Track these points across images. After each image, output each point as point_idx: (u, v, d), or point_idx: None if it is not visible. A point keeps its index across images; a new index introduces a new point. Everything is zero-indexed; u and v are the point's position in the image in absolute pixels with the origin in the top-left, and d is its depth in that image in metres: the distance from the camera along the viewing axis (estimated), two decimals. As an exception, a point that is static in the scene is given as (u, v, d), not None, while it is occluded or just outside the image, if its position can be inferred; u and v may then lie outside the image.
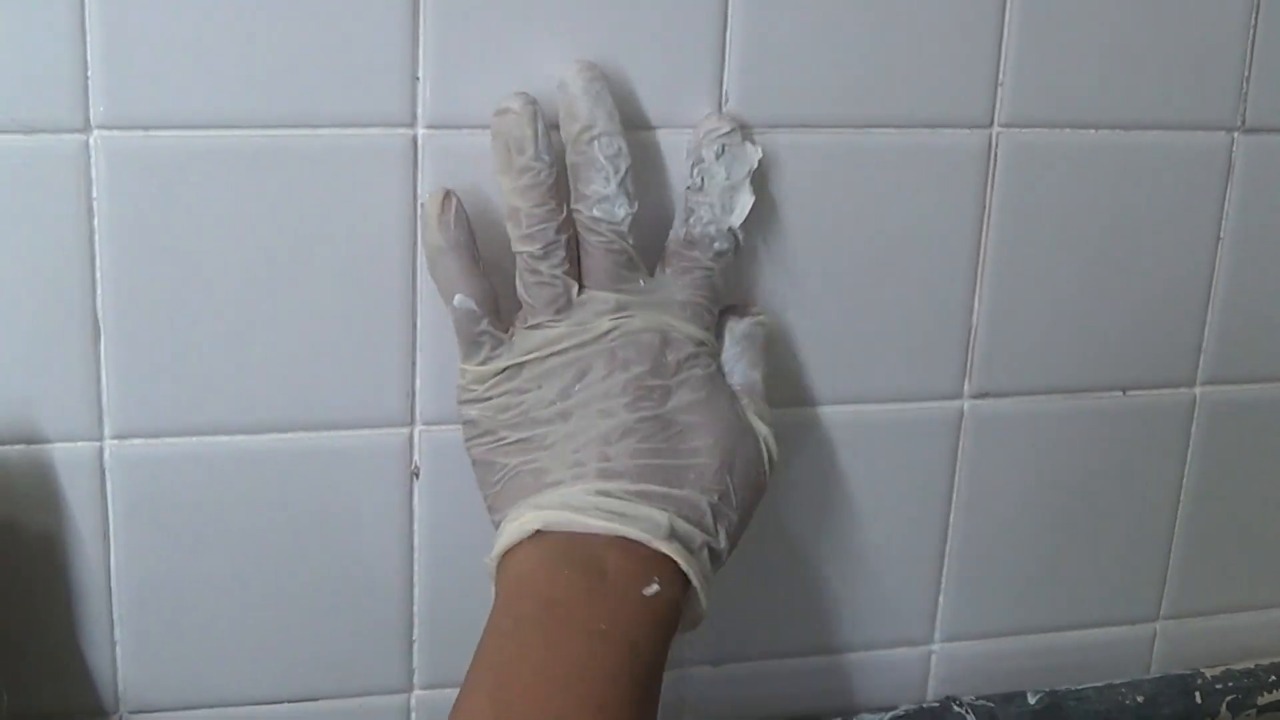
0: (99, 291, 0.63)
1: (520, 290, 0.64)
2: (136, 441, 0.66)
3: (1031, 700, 0.80)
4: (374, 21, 0.62)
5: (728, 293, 0.68)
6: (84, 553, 0.66)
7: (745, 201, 0.66)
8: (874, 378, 0.74)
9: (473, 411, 0.64)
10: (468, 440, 0.65)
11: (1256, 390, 0.80)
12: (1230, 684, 0.83)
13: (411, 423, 0.68)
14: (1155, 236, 0.76)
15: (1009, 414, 0.76)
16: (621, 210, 0.63)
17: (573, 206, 0.64)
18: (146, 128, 0.62)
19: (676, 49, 0.66)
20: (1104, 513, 0.80)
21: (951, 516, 0.77)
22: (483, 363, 0.64)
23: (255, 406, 0.66)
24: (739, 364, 0.68)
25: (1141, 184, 0.74)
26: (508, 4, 0.63)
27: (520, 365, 0.63)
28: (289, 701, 0.71)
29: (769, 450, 0.66)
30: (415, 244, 0.65)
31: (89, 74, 0.60)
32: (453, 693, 0.72)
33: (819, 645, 0.78)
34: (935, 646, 0.80)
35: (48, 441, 0.64)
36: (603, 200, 0.63)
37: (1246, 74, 0.74)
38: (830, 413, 0.74)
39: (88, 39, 0.60)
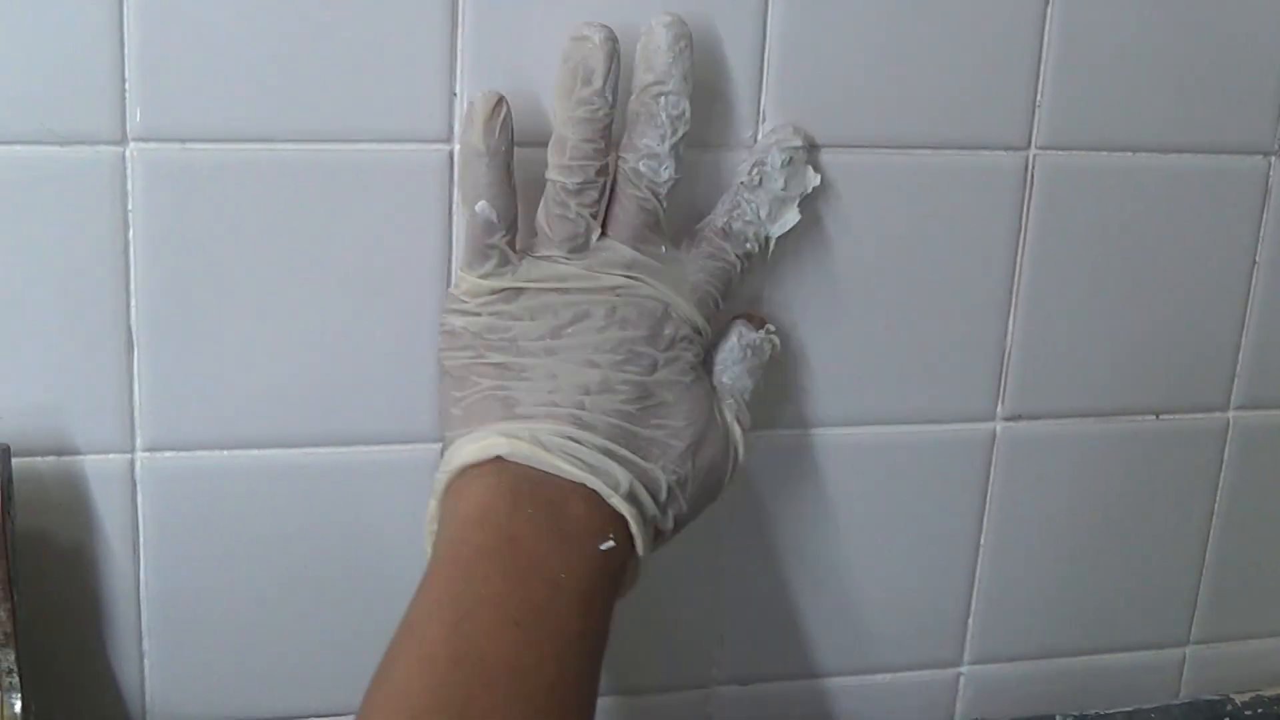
0: (133, 304, 0.63)
1: (541, 219, 0.63)
2: (168, 454, 0.65)
3: (1060, 724, 0.80)
4: (412, 37, 0.62)
5: (748, 304, 0.69)
6: (114, 564, 0.66)
7: (791, 217, 0.67)
8: (907, 399, 0.73)
9: (458, 321, 0.63)
10: (443, 350, 0.64)
11: (1290, 415, 0.80)
12: (1260, 710, 0.83)
13: (442, 439, 0.68)
14: (1190, 260, 0.75)
15: (1042, 436, 0.76)
16: (667, 171, 0.63)
17: (620, 154, 0.63)
18: (183, 140, 0.62)
19: (715, 69, 0.66)
20: (1135, 536, 0.80)
21: (982, 538, 0.77)
22: (484, 276, 0.62)
23: (286, 420, 0.66)
24: (737, 366, 0.67)
25: (1178, 207, 0.74)
26: (546, 23, 0.63)
27: (519, 290, 0.62)
28: (315, 716, 0.71)
29: (737, 454, 0.65)
30: (450, 259, 0.65)
31: (126, 86, 0.60)
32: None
33: (847, 665, 0.78)
34: (964, 669, 0.80)
35: (79, 453, 0.65)
36: (651, 156, 0.62)
37: (1285, 98, 0.74)
38: (863, 433, 0.73)
39: (125, 51, 0.60)
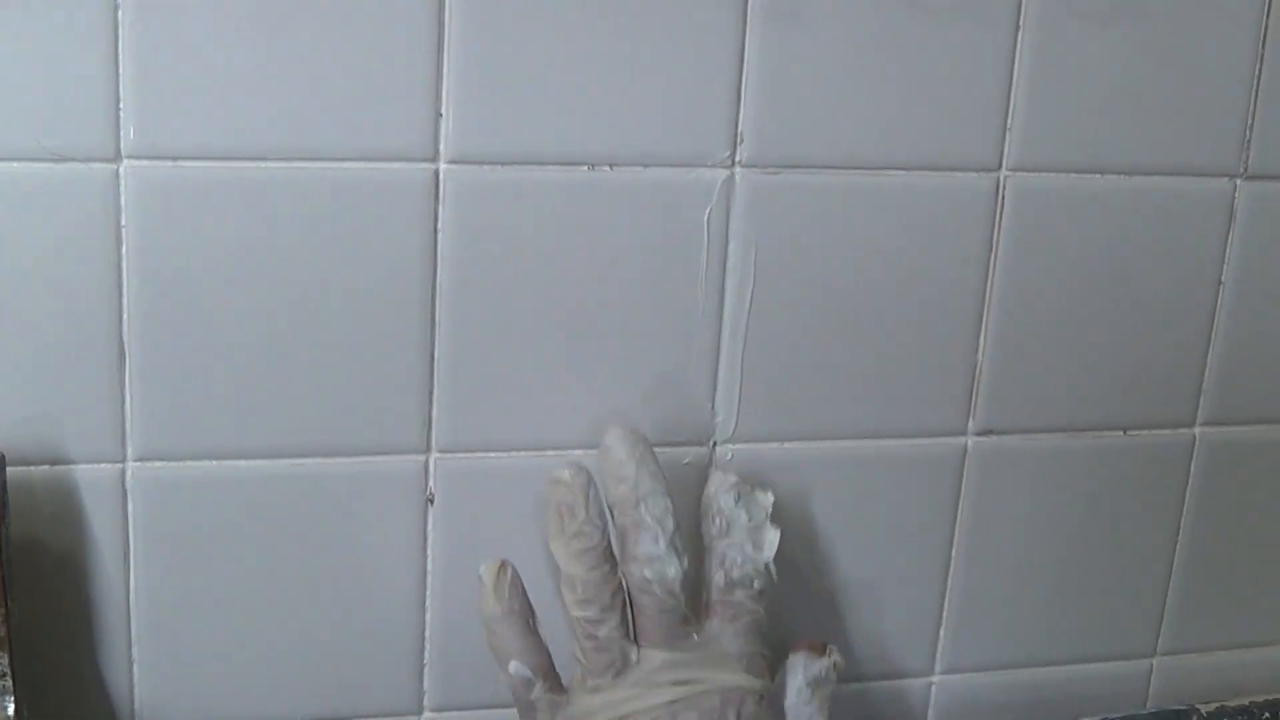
0: (125, 317, 0.64)
1: (577, 654, 0.64)
2: (158, 464, 0.66)
3: (1029, 733, 0.81)
4: (399, 57, 0.64)
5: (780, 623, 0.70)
6: (104, 572, 0.67)
7: (773, 537, 0.67)
8: (880, 414, 0.74)
9: None
10: None
11: (1255, 432, 0.81)
12: (1225, 720, 0.84)
13: (427, 450, 0.69)
14: (1158, 280, 0.76)
15: (1012, 451, 0.77)
16: (673, 569, 0.64)
17: (624, 568, 0.64)
18: (175, 158, 0.63)
19: (694, 91, 0.67)
20: (1103, 550, 0.81)
21: (953, 551, 0.78)
22: None
23: (275, 432, 0.67)
24: (808, 707, 0.67)
25: (1146, 228, 0.75)
26: (531, 42, 0.64)
27: None
28: (301, 722, 0.72)
29: None
30: (434, 275, 0.66)
31: (120, 104, 0.61)
32: (461, 716, 0.73)
33: (821, 675, 0.78)
34: (935, 678, 0.80)
35: (71, 463, 0.65)
36: (654, 560, 0.63)
37: (1250, 122, 0.75)
38: (836, 447, 0.74)
39: (120, 70, 0.61)
